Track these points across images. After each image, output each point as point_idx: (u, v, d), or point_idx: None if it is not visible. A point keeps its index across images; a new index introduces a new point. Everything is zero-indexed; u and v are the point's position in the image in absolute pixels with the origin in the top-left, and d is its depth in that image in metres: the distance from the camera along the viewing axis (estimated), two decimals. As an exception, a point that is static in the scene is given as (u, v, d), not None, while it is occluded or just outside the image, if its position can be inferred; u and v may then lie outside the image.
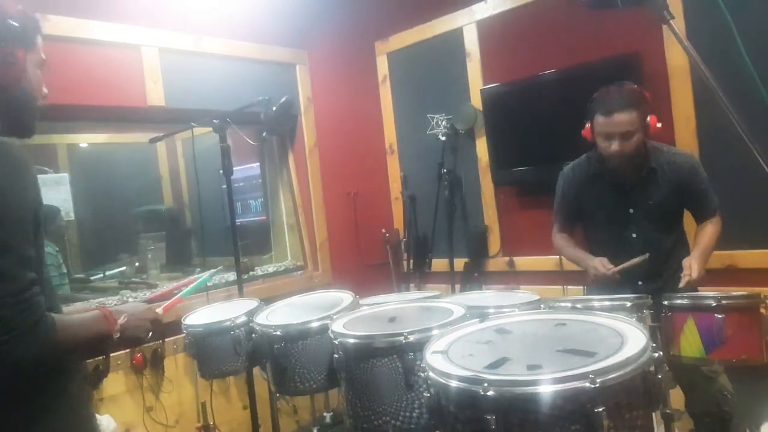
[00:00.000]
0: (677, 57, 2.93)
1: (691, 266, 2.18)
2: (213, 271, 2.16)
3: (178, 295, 1.88)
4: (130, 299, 3.16)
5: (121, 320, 1.32)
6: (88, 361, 2.84)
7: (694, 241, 2.42)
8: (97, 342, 1.30)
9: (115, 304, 1.46)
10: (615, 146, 2.27)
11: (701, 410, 2.40)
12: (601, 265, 2.33)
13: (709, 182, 2.42)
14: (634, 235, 2.44)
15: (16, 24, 1.23)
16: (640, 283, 2.39)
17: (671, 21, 1.36)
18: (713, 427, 2.41)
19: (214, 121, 2.64)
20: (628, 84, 2.35)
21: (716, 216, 2.43)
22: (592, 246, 2.56)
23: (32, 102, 1.29)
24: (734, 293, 1.96)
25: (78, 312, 1.38)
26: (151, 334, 1.43)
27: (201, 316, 2.38)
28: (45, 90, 1.33)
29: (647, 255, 2.30)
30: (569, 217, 2.65)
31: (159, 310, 1.50)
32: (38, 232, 1.18)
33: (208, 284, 2.10)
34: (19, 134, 1.28)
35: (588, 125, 2.42)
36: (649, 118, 2.29)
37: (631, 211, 2.44)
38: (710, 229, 2.40)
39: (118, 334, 1.31)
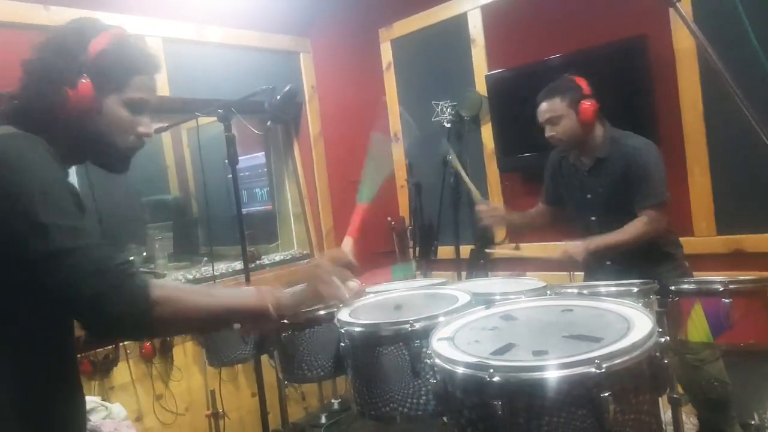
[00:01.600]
0: (684, 40, 2.90)
1: (575, 243, 2.38)
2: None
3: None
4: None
5: (278, 295, 1.25)
6: (97, 350, 2.88)
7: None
8: (243, 312, 1.23)
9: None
10: (546, 132, 2.51)
11: (692, 398, 2.44)
12: (569, 246, 2.43)
13: (658, 178, 2.39)
14: (593, 218, 2.56)
15: (90, 56, 1.18)
16: (608, 263, 2.50)
17: (678, 3, 1.35)
18: (708, 413, 2.44)
19: (219, 110, 2.64)
20: (564, 77, 2.55)
21: (650, 212, 2.38)
22: (572, 227, 2.70)
23: (106, 143, 1.23)
24: (741, 278, 1.96)
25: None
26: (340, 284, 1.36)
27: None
28: (143, 130, 1.26)
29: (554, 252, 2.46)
30: (548, 195, 2.85)
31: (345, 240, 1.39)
32: (85, 215, 1.19)
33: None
34: (107, 170, 1.30)
35: None
36: (581, 104, 2.43)
37: (589, 196, 2.58)
38: (631, 227, 2.38)
39: (274, 307, 1.21)
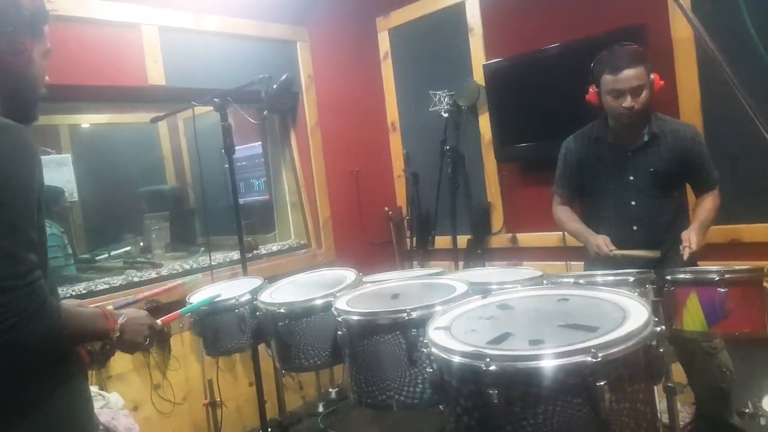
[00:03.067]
0: (682, 29, 2.89)
1: (690, 239, 2.20)
2: (214, 296, 2.19)
3: (180, 311, 1.86)
4: (135, 278, 3.18)
5: (121, 320, 1.34)
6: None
7: (693, 214, 2.43)
8: (95, 337, 1.34)
9: (112, 308, 1.48)
10: (627, 102, 2.28)
11: (701, 386, 2.43)
12: (603, 243, 2.34)
13: (710, 156, 2.41)
14: (633, 203, 2.44)
15: (26, 12, 1.23)
16: (635, 227, 2.43)
17: (676, -8, 1.34)
18: (713, 402, 2.44)
19: (215, 99, 2.63)
20: (629, 44, 2.37)
21: (716, 189, 2.43)
22: (592, 217, 2.56)
23: (36, 90, 1.30)
24: (737, 267, 1.96)
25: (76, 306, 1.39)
26: (148, 341, 1.43)
27: (206, 295, 2.40)
28: (47, 78, 1.34)
29: (658, 252, 2.30)
30: (571, 187, 2.63)
31: (159, 321, 1.49)
32: (40, 215, 1.18)
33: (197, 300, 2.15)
34: (22, 120, 1.28)
35: (593, 89, 2.43)
36: (653, 76, 2.31)
37: (631, 177, 2.43)
38: (709, 203, 2.40)
39: (117, 334, 1.32)
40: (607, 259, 2.32)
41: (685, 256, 2.17)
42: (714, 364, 2.33)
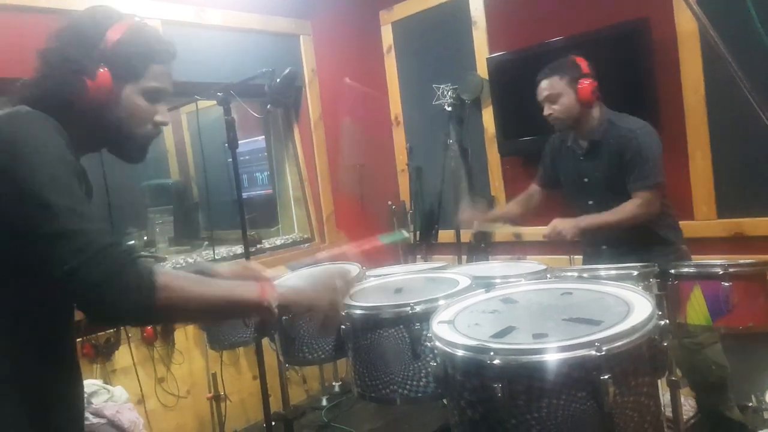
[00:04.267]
0: (687, 23, 2.88)
1: (554, 222, 2.39)
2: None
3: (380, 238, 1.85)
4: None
5: (281, 290, 1.22)
6: (99, 333, 2.89)
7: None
8: (241, 306, 1.19)
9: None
10: (545, 110, 2.51)
11: (692, 381, 2.46)
12: (558, 223, 2.43)
13: (653, 160, 2.37)
14: (590, 202, 2.54)
15: (106, 46, 1.18)
16: (604, 247, 2.52)
17: (681, -15, 1.33)
18: (708, 396, 2.46)
19: (218, 93, 2.62)
20: (565, 57, 2.55)
21: (643, 194, 2.37)
22: (571, 212, 2.64)
23: (125, 133, 1.23)
24: (741, 261, 1.95)
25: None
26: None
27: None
28: (159, 118, 1.27)
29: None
30: (544, 176, 2.81)
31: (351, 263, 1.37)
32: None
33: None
34: (124, 160, 1.29)
35: None
36: (579, 83, 2.43)
37: (586, 180, 2.56)
38: (623, 208, 2.38)
39: (276, 303, 1.18)
40: (563, 241, 2.46)
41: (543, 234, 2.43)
42: (699, 359, 2.35)
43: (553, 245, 3.45)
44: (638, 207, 2.36)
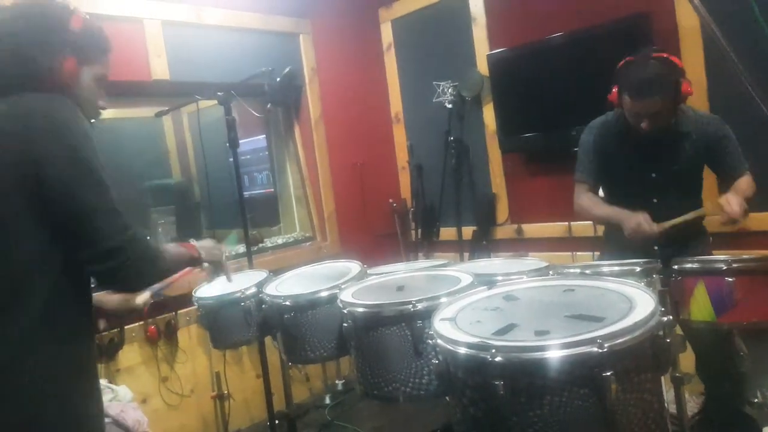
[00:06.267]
0: (688, 18, 2.87)
1: (728, 199, 2.07)
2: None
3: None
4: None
5: (198, 244, 1.65)
6: (103, 333, 2.90)
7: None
8: (188, 262, 1.62)
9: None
10: (644, 125, 2.21)
11: (715, 371, 2.37)
12: (644, 221, 2.20)
13: (738, 146, 2.31)
14: (655, 200, 2.34)
15: (73, 33, 1.32)
16: (656, 248, 2.28)
17: (681, -21, 1.32)
18: (727, 389, 2.38)
19: (219, 93, 2.63)
20: (656, 58, 2.21)
21: (747, 176, 2.31)
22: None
23: (80, 106, 1.34)
24: (745, 256, 1.95)
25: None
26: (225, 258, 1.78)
27: (212, 288, 2.40)
28: (102, 103, 1.45)
29: (703, 210, 2.23)
30: (592, 170, 2.48)
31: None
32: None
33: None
34: None
35: (615, 90, 2.30)
36: (681, 85, 2.19)
37: (654, 175, 2.36)
38: (746, 180, 2.29)
39: (203, 254, 1.62)
40: (647, 238, 2.19)
41: (722, 220, 2.09)
42: (729, 348, 2.27)
43: (554, 242, 3.45)
44: (753, 185, 2.27)
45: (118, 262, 1.22)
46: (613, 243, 2.47)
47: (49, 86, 1.27)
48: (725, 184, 2.32)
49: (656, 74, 2.16)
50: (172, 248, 1.56)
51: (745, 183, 2.28)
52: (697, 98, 2.89)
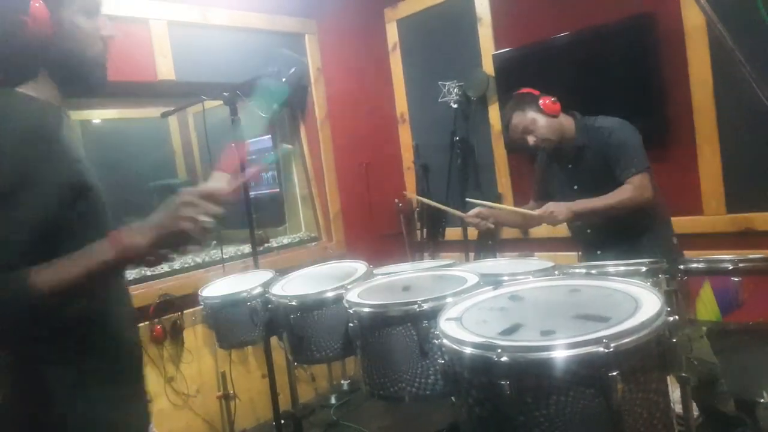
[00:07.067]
0: (694, 17, 2.86)
1: (548, 205, 2.38)
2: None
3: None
4: (148, 271, 3.20)
5: (128, 229, 1.14)
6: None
7: None
8: (103, 265, 1.11)
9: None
10: (529, 142, 2.53)
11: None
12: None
13: (635, 148, 2.38)
14: None
15: None
16: (599, 252, 2.54)
17: (688, -21, 1.32)
18: (698, 392, 2.41)
19: (224, 93, 2.64)
20: (513, 95, 2.62)
21: (634, 179, 2.37)
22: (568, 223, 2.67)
23: (76, 58, 1.19)
24: (751, 256, 1.94)
25: None
26: (208, 219, 1.22)
27: (218, 288, 2.41)
28: (104, 32, 1.21)
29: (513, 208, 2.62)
30: (538, 191, 2.81)
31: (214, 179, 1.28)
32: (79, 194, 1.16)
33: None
34: (83, 93, 1.24)
35: None
36: (541, 103, 2.49)
37: (575, 187, 2.58)
38: (617, 192, 2.37)
39: (127, 243, 1.12)
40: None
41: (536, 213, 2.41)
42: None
43: (560, 243, 3.44)
44: (631, 191, 2.37)
45: None
46: (579, 247, 2.78)
47: (23, 50, 1.11)
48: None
49: (511, 101, 2.60)
50: (76, 254, 1.11)
51: (610, 195, 2.39)
52: (703, 98, 2.89)
